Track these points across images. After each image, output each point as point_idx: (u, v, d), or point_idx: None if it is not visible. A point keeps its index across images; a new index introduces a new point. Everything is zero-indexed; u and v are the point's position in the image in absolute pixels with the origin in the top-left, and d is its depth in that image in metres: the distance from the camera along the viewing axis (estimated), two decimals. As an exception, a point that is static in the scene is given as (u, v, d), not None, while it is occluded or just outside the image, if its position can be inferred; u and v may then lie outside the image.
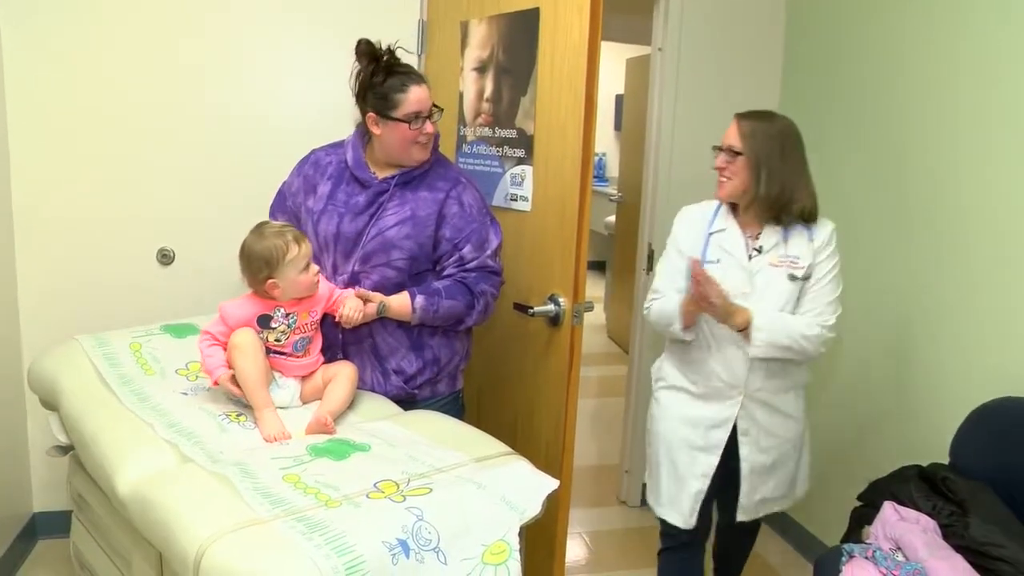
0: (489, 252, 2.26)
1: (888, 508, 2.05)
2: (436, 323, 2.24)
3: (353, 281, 2.24)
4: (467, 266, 2.24)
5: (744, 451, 2.34)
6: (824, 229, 2.26)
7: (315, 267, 2.11)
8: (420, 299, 2.19)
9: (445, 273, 2.25)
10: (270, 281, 2.05)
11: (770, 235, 2.27)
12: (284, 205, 2.40)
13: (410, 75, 2.17)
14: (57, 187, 2.90)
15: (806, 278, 2.24)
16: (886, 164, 2.82)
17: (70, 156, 2.90)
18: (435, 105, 2.20)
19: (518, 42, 2.47)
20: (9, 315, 2.89)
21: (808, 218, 2.25)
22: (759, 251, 2.27)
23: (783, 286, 2.24)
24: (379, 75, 2.16)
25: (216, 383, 2.07)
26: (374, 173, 2.25)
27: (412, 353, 2.27)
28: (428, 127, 2.18)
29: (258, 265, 2.05)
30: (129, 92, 2.90)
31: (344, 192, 2.25)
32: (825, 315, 2.24)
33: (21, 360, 2.91)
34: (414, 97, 2.14)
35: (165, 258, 3.01)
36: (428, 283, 2.23)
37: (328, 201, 2.26)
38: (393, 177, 2.22)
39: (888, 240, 2.80)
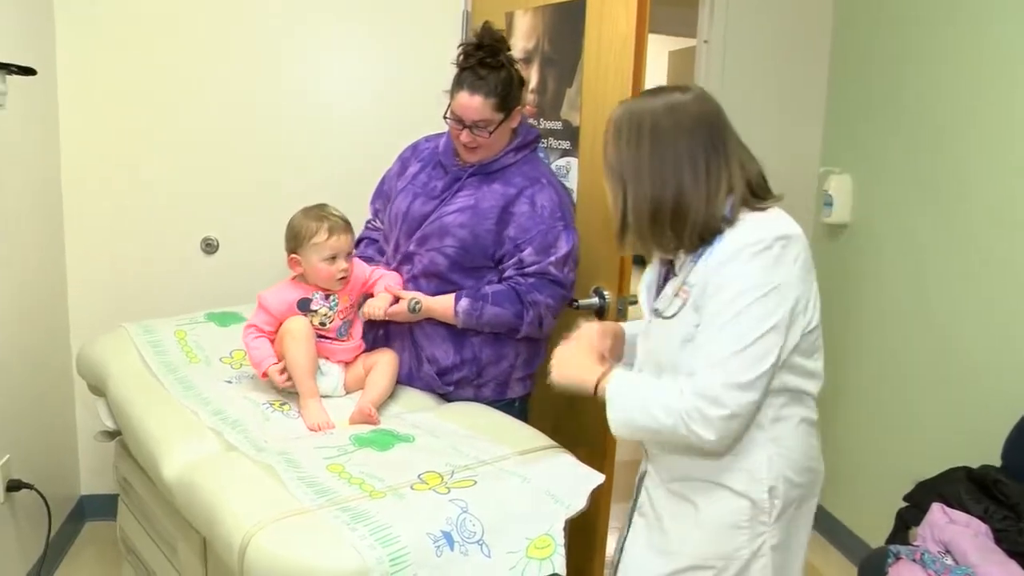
0: (553, 259, 2.11)
1: (936, 510, 2.00)
2: (484, 329, 2.16)
3: (406, 260, 2.21)
4: (525, 270, 2.12)
5: (631, 536, 1.69)
6: (729, 244, 1.41)
7: (343, 264, 2.08)
8: (464, 303, 2.12)
9: (505, 275, 2.15)
10: (292, 256, 2.09)
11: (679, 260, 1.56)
12: (381, 190, 2.41)
13: (468, 80, 2.08)
14: (104, 179, 2.94)
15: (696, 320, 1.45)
16: (937, 159, 2.75)
17: (117, 148, 2.93)
18: (469, 123, 2.08)
19: (564, 33, 2.45)
20: (58, 304, 2.93)
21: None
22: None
23: (672, 331, 1.50)
24: (458, 68, 2.13)
25: (264, 375, 2.08)
26: (459, 161, 2.21)
27: (450, 345, 2.20)
28: (464, 135, 2.10)
29: (289, 235, 2.10)
30: (176, 84, 2.92)
31: (427, 175, 2.25)
32: (706, 380, 1.37)
33: (70, 347, 2.96)
34: (457, 101, 2.09)
35: (209, 247, 3.04)
36: (483, 282, 2.16)
37: (410, 181, 2.26)
38: (472, 166, 2.18)
39: (936, 237, 2.73)
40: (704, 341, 1.39)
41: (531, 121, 2.60)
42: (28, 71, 2.25)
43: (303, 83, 3.02)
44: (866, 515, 3.07)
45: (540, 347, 2.28)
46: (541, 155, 2.54)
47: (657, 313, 1.54)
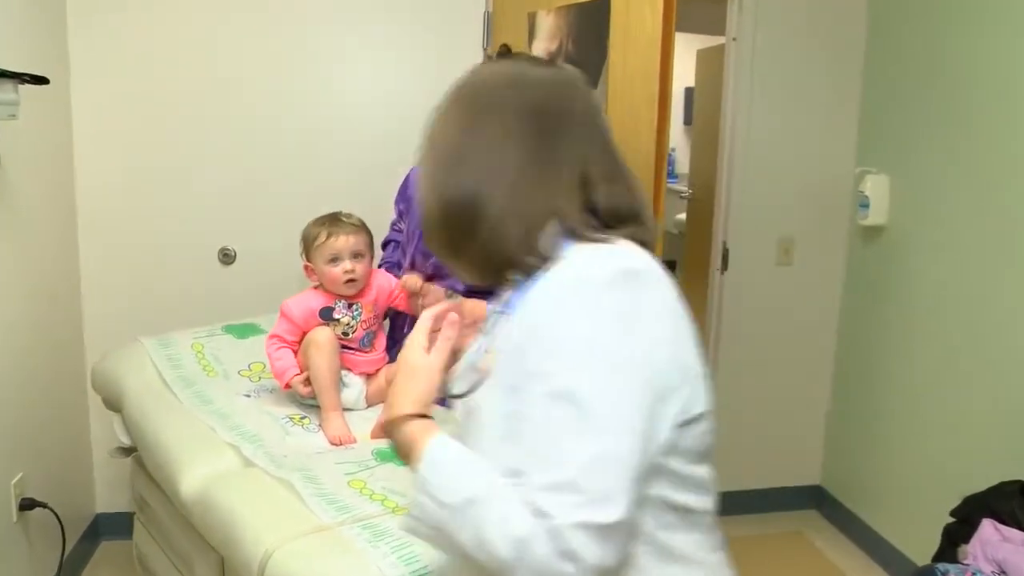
0: None
1: (987, 526, 1.97)
2: None
3: (437, 267, 2.20)
4: None
5: None
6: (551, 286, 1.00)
7: (347, 265, 2.11)
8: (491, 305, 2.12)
9: None
10: (306, 264, 2.16)
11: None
12: (405, 192, 2.40)
13: None
14: (120, 189, 2.96)
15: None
16: (978, 157, 2.71)
17: (132, 158, 2.96)
18: None
19: (588, 34, 2.45)
20: (73, 316, 2.96)
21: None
22: None
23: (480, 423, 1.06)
24: None
25: (287, 386, 2.09)
26: None
27: None
28: None
29: (302, 244, 2.17)
30: (192, 94, 2.95)
31: None
32: (530, 486, 0.90)
33: (85, 361, 2.98)
34: None
35: (227, 258, 3.06)
36: None
37: None
38: None
39: (979, 238, 2.70)
40: (529, 439, 0.93)
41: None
42: (41, 80, 2.28)
43: (321, 91, 3.04)
44: (910, 531, 3.02)
45: None
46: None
47: (444, 392, 1.11)
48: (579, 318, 0.94)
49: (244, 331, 2.48)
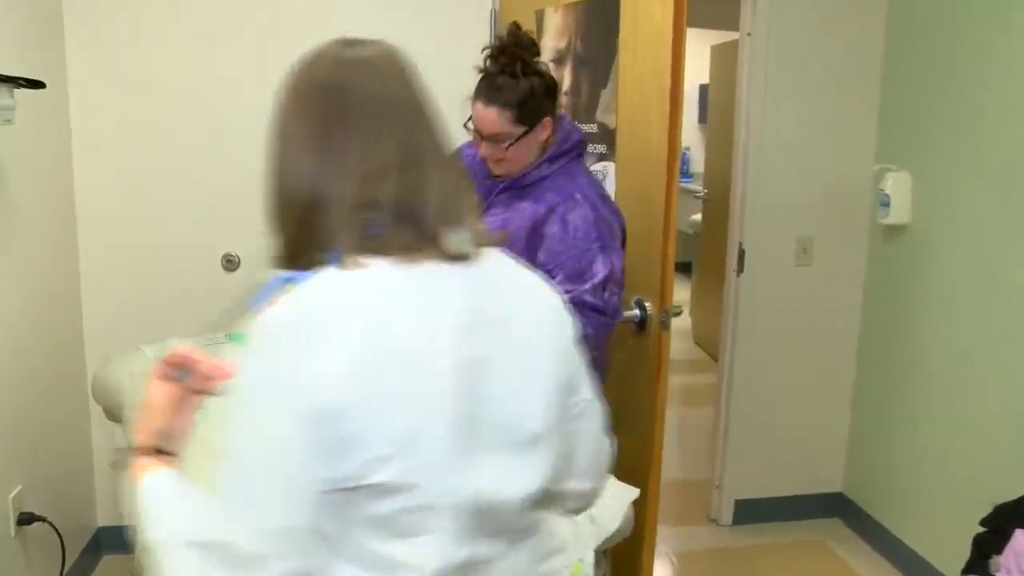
0: (588, 286, 1.98)
1: (1020, 537, 1.93)
2: None
3: None
4: None
5: None
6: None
7: None
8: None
9: None
10: None
11: None
12: None
13: (484, 89, 2.00)
14: (120, 195, 2.95)
15: None
16: (1003, 153, 2.67)
17: (133, 162, 2.94)
18: (486, 136, 2.01)
19: (597, 31, 2.42)
20: (73, 324, 2.95)
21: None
22: None
23: None
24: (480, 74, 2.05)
25: None
26: (492, 175, 2.13)
27: None
28: (483, 148, 2.03)
29: None
30: (191, 94, 2.93)
31: None
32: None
33: (85, 370, 2.97)
34: (475, 112, 2.01)
35: (230, 264, 3.04)
36: None
37: None
38: (503, 180, 2.11)
39: (1005, 237, 2.65)
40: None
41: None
42: (37, 84, 2.27)
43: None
44: (938, 540, 2.97)
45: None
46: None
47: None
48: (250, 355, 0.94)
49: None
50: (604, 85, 2.41)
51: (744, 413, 3.42)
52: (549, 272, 2.00)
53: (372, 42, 1.07)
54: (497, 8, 3.00)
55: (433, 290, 0.97)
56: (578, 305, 1.96)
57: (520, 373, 1.03)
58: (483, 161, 2.14)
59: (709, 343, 5.61)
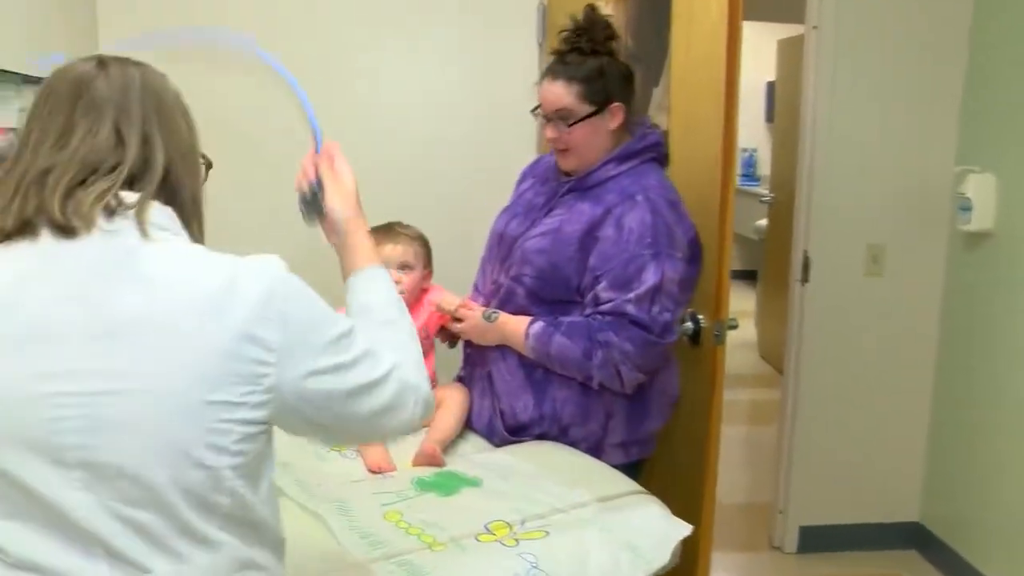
0: (632, 295, 1.88)
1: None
2: (554, 367, 1.98)
3: (495, 291, 2.12)
4: (600, 307, 1.92)
5: None
6: None
7: (393, 274, 2.07)
8: (537, 326, 1.97)
9: (585, 312, 1.97)
10: None
11: None
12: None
13: (552, 66, 2.01)
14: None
15: None
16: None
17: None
18: (549, 114, 2.00)
19: (649, 26, 2.41)
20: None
21: None
22: None
23: None
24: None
25: None
26: (561, 174, 2.10)
27: (530, 396, 2.03)
28: (548, 130, 2.01)
29: None
30: (235, 101, 2.94)
31: (534, 191, 2.16)
32: None
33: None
34: (541, 90, 2.02)
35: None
36: (568, 316, 2.00)
37: (515, 199, 2.21)
38: (570, 180, 2.06)
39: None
40: None
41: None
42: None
43: (358, 89, 3.02)
44: (986, 545, 2.88)
45: (644, 408, 2.07)
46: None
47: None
48: None
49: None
50: (656, 83, 2.37)
51: (810, 432, 3.29)
52: (596, 278, 1.95)
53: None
54: (546, 3, 2.98)
55: None
56: (618, 316, 1.90)
57: None
58: (554, 164, 2.11)
59: (775, 357, 5.50)
